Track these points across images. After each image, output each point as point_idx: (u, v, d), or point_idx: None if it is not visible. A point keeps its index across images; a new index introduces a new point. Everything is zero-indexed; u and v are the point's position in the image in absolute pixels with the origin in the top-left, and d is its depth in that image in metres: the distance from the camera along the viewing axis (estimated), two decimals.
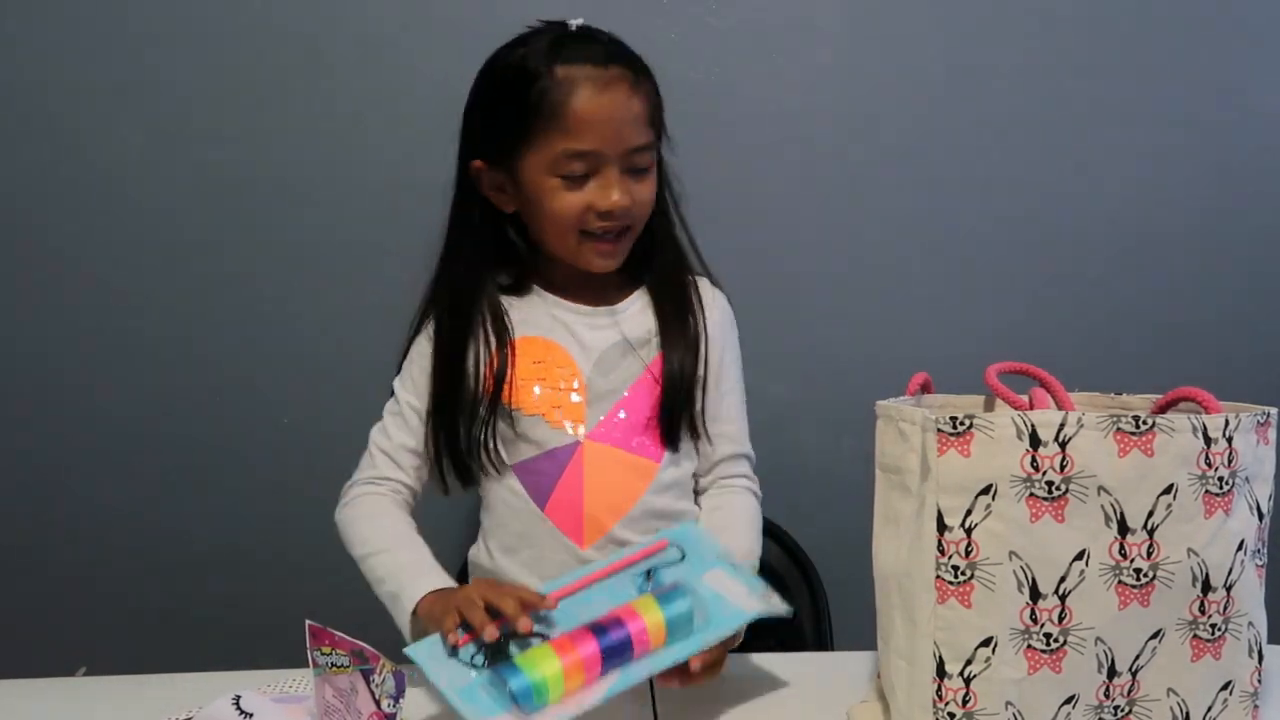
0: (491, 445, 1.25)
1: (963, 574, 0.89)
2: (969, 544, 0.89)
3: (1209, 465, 0.90)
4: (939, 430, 0.89)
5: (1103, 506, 0.88)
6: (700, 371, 1.27)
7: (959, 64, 1.76)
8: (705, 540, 1.14)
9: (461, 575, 1.44)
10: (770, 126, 1.75)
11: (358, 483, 1.29)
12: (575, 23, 1.20)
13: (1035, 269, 1.82)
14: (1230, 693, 0.95)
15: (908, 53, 1.75)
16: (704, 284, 1.33)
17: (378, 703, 0.87)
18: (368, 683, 0.87)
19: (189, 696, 1.04)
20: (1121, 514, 0.88)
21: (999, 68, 1.77)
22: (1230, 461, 0.91)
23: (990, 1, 1.76)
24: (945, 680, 0.90)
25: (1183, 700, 0.93)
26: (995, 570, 0.88)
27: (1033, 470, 0.87)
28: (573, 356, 1.26)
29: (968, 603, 0.89)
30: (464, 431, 1.24)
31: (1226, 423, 0.90)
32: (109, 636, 1.78)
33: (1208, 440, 0.90)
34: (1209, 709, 0.95)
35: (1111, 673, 0.91)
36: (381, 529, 1.23)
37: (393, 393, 1.32)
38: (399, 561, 1.17)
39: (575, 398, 1.24)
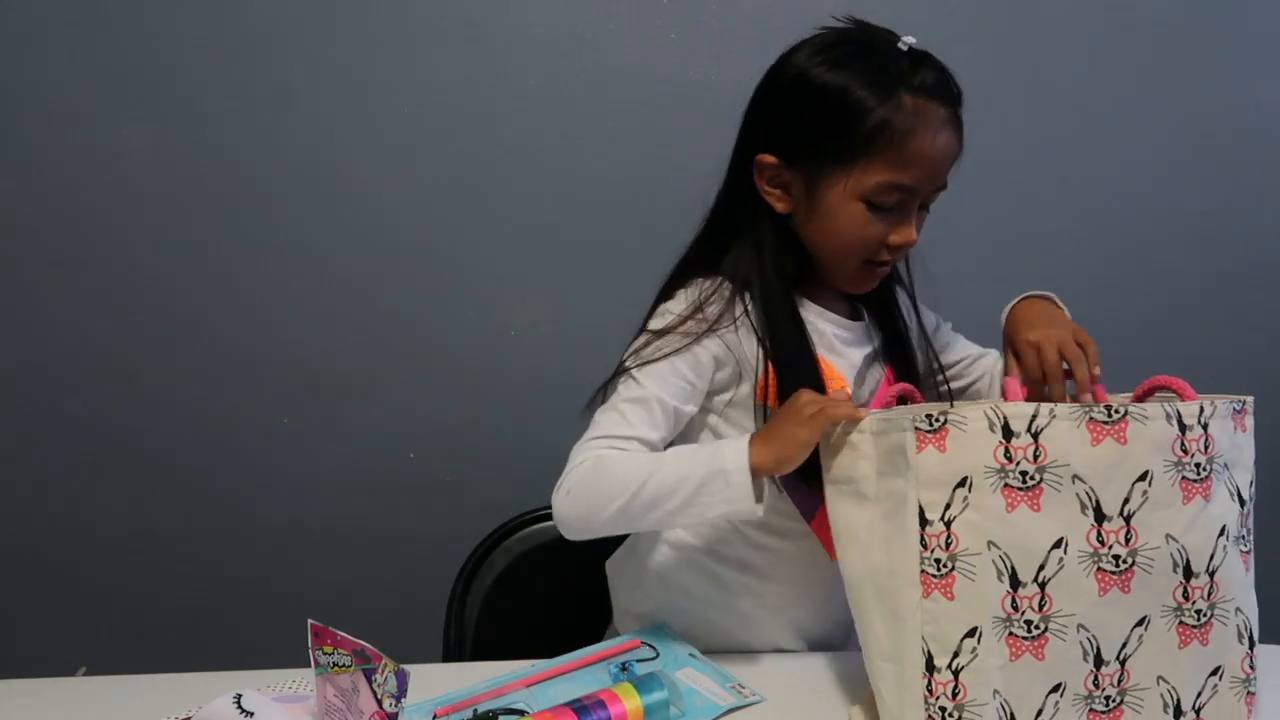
0: None
1: (944, 566, 0.89)
2: (949, 536, 0.89)
3: (1184, 452, 0.90)
4: (917, 429, 0.89)
5: (1078, 494, 0.88)
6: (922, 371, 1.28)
7: (957, 64, 1.74)
8: (676, 641, 1.21)
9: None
10: None
11: (575, 468, 1.12)
12: (908, 41, 1.14)
13: (1031, 268, 1.81)
14: (1220, 678, 0.95)
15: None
16: (912, 305, 1.32)
17: (380, 702, 0.87)
18: (370, 682, 0.88)
19: (189, 696, 1.04)
20: (1097, 501, 0.89)
21: (997, 68, 1.77)
22: (1207, 448, 0.91)
23: (990, 2, 1.76)
24: (934, 674, 0.91)
25: (1173, 688, 0.93)
26: (975, 560, 0.89)
27: (1006, 461, 0.88)
28: (837, 369, 1.21)
29: (950, 595, 0.89)
30: None
31: (1201, 409, 0.91)
32: (109, 636, 1.79)
33: (1183, 427, 0.90)
34: (1199, 694, 0.94)
35: (1099, 661, 0.91)
36: (644, 458, 1.10)
37: (628, 376, 1.17)
38: (687, 453, 1.09)
39: None
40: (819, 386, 1.13)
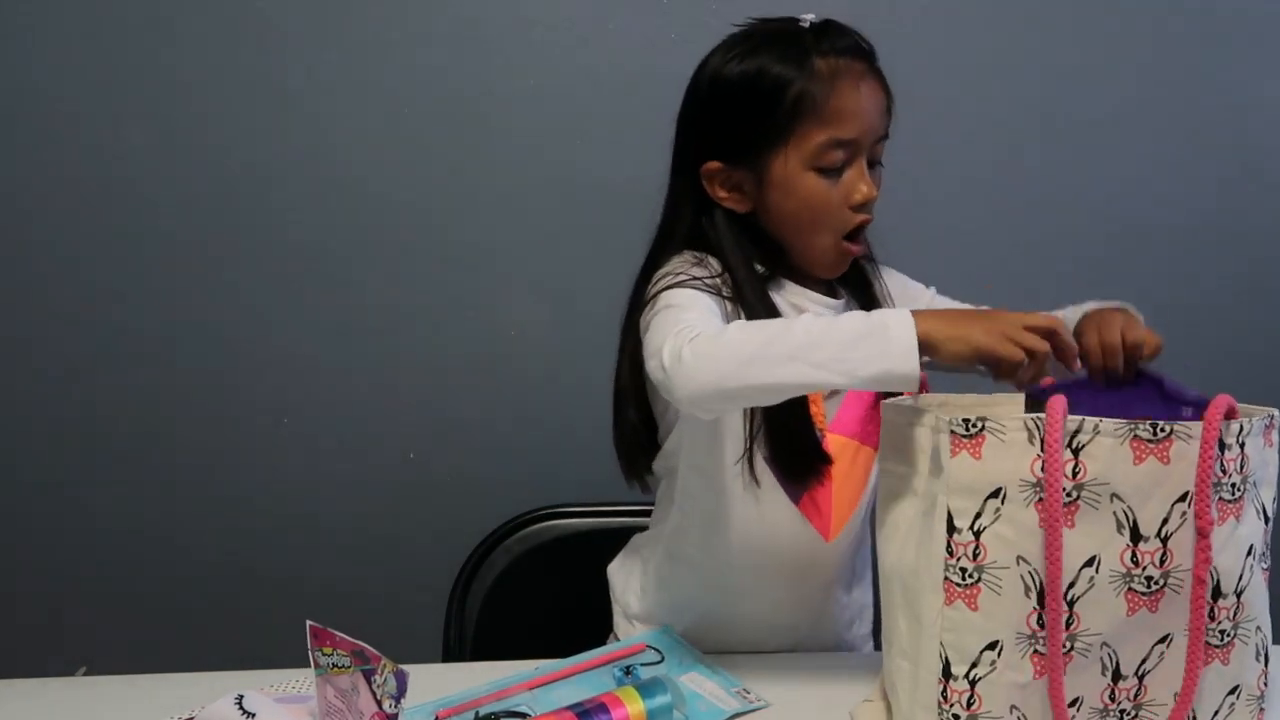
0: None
1: (970, 576, 0.89)
2: (977, 546, 0.88)
3: (1224, 472, 0.89)
4: (952, 432, 0.88)
5: (1115, 513, 0.87)
6: None
7: (957, 64, 1.76)
8: (682, 644, 1.21)
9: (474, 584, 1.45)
10: None
11: (683, 334, 1.03)
12: (808, 17, 1.17)
13: (1032, 269, 1.82)
14: (1237, 697, 0.95)
15: (906, 54, 1.74)
16: (879, 268, 1.32)
17: (379, 703, 0.87)
18: (369, 683, 0.87)
19: (189, 696, 1.04)
20: (1134, 521, 0.88)
21: (998, 67, 1.78)
22: (1243, 467, 0.90)
23: (990, 2, 1.76)
24: (951, 682, 0.90)
25: (1191, 705, 0.93)
26: (1002, 574, 0.88)
27: (1043, 475, 0.87)
28: None
29: (974, 605, 0.89)
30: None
31: (1241, 428, 0.90)
32: (109, 636, 1.78)
33: (1223, 447, 0.89)
34: (1216, 713, 0.94)
35: (1117, 675, 0.91)
36: (773, 321, 1.05)
37: (659, 296, 1.14)
38: (828, 316, 1.02)
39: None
40: None
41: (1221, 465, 0.89)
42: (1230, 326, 1.85)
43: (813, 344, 0.96)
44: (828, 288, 1.27)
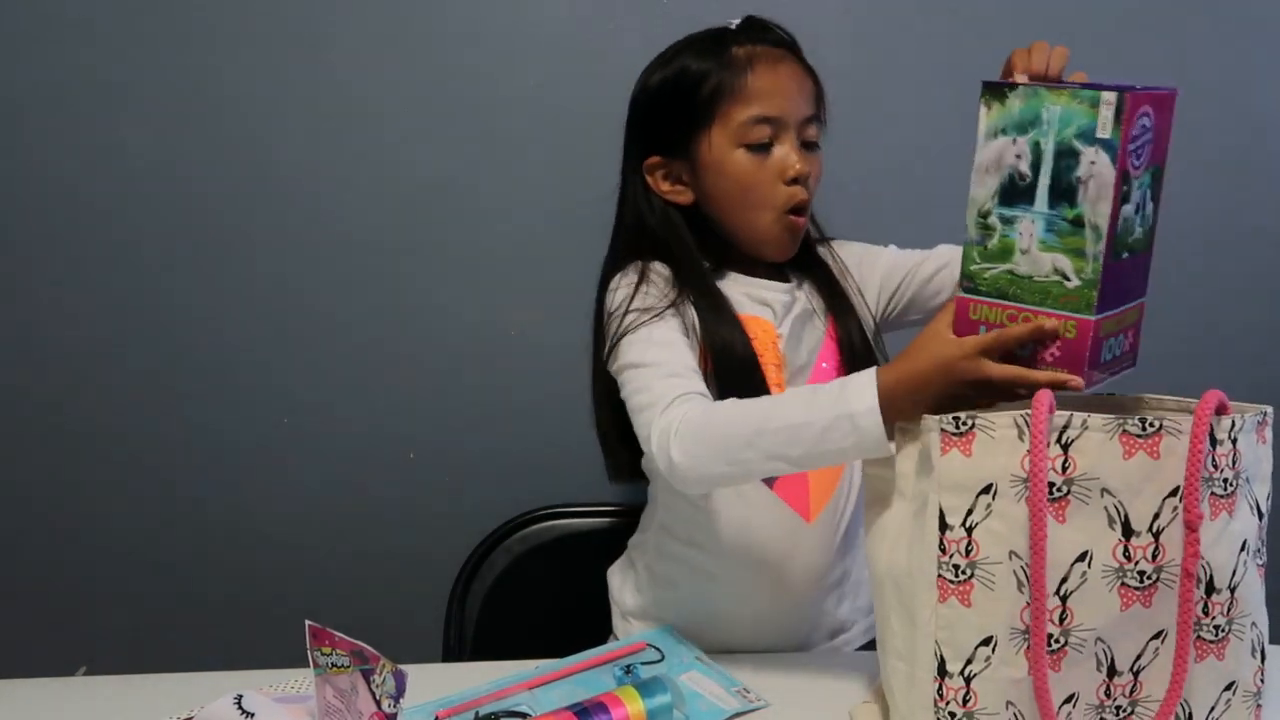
0: None
1: (963, 573, 0.89)
2: (969, 543, 0.89)
3: (1215, 467, 0.89)
4: (942, 430, 0.89)
5: (1106, 508, 0.88)
6: (872, 325, 1.33)
7: (958, 64, 1.75)
8: (682, 644, 1.21)
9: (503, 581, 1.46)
10: None
11: (666, 414, 1.09)
12: (735, 22, 1.26)
13: None
14: (1233, 693, 0.95)
15: (907, 53, 1.75)
16: (833, 244, 1.37)
17: (378, 703, 0.87)
18: (368, 683, 0.87)
19: (189, 696, 1.04)
20: (1126, 516, 0.88)
21: (998, 68, 1.77)
22: (1235, 463, 0.90)
23: (990, 2, 1.76)
24: (946, 679, 0.90)
25: (1185, 701, 0.93)
26: (995, 570, 0.88)
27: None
28: (770, 324, 1.27)
29: (968, 601, 0.89)
30: None
31: (1233, 424, 0.90)
32: (109, 636, 1.78)
33: (1214, 442, 0.89)
34: (1211, 709, 0.94)
35: (1112, 672, 0.91)
36: (754, 405, 1.08)
37: (624, 343, 1.20)
38: (806, 394, 1.05)
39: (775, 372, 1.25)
40: (744, 345, 1.21)
41: (1213, 460, 0.89)
42: (1229, 326, 1.85)
43: (791, 440, 1.01)
44: (777, 273, 1.31)
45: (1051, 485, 0.87)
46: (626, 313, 1.20)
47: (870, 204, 1.67)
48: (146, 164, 1.70)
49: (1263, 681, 0.96)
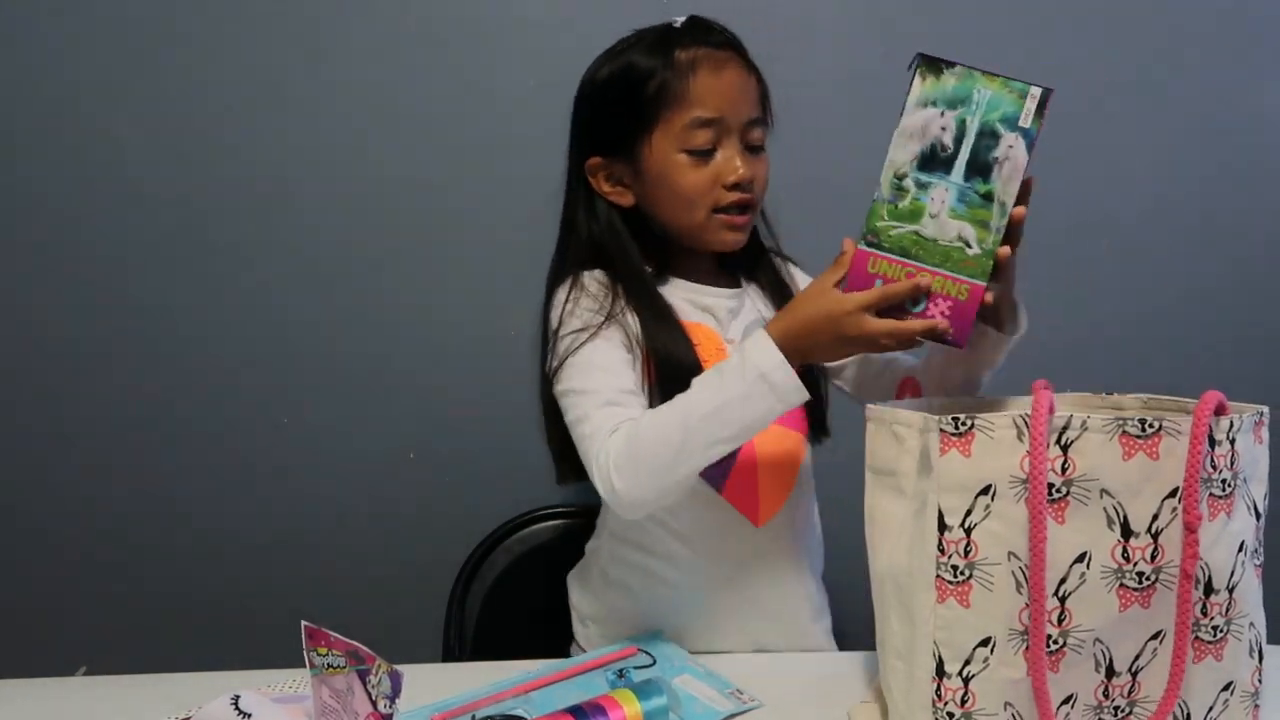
0: None
1: (962, 573, 0.89)
2: (968, 544, 0.88)
3: (1214, 468, 0.89)
4: (942, 430, 0.89)
5: (1105, 509, 0.88)
6: None
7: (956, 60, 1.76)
8: (673, 648, 1.21)
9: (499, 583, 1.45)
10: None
11: (603, 446, 1.12)
12: (679, 20, 1.25)
13: (1031, 268, 1.81)
14: (1231, 693, 0.95)
15: (908, 54, 1.74)
16: (789, 265, 1.39)
17: (374, 703, 0.87)
18: (364, 683, 0.87)
19: (189, 696, 1.05)
20: (1125, 517, 0.88)
21: (999, 67, 1.77)
22: (1233, 463, 0.90)
23: (991, 1, 1.76)
24: (944, 680, 0.90)
25: (1183, 701, 0.93)
26: (994, 570, 0.88)
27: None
28: (715, 332, 1.27)
29: (966, 602, 0.89)
30: None
31: (1231, 424, 0.90)
32: (109, 636, 1.78)
33: (1213, 442, 0.89)
34: (1209, 709, 0.94)
35: (1110, 672, 0.91)
36: (668, 407, 1.11)
37: (565, 368, 1.20)
38: (713, 379, 1.09)
39: None
40: (688, 352, 1.20)
41: (1212, 461, 0.89)
42: (1227, 327, 1.85)
43: (719, 422, 1.06)
44: (727, 278, 1.31)
45: (1051, 486, 0.87)
46: (566, 334, 1.21)
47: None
48: (145, 161, 1.70)
49: (1260, 682, 0.96)
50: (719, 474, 1.22)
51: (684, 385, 1.13)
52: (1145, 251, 1.83)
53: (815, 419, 1.31)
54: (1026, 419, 0.87)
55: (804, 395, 1.06)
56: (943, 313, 1.01)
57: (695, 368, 1.19)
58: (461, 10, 1.71)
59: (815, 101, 1.75)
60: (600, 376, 1.17)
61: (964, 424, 0.88)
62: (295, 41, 1.70)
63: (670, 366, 1.19)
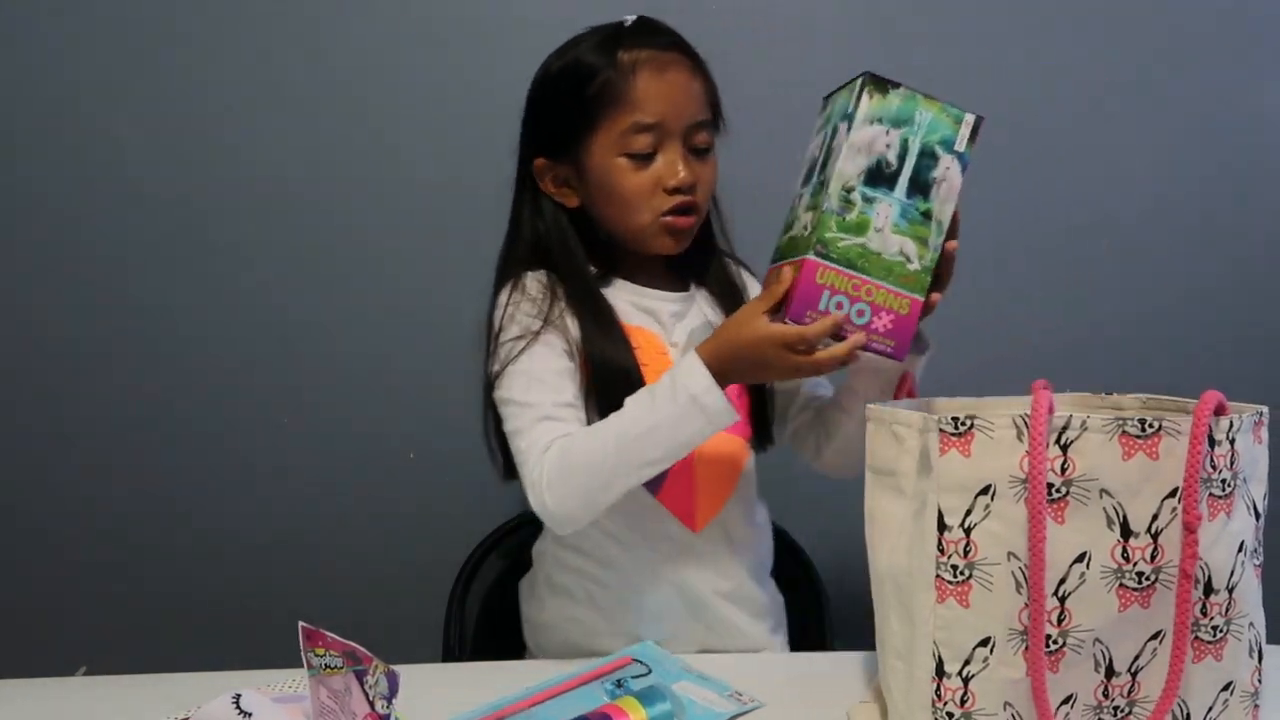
0: None
1: (961, 573, 0.89)
2: (968, 544, 0.88)
3: (1213, 468, 0.89)
4: (941, 430, 0.89)
5: (1105, 509, 0.87)
6: None
7: (959, 64, 1.76)
8: (668, 657, 1.20)
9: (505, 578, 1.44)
10: (770, 126, 1.75)
11: (537, 462, 1.14)
12: (629, 19, 1.24)
13: (1031, 268, 1.82)
14: (1231, 693, 0.95)
15: (908, 54, 1.75)
16: (743, 272, 1.39)
17: (371, 704, 0.87)
18: (361, 684, 0.87)
19: (189, 696, 1.04)
20: (1125, 517, 0.88)
21: (999, 67, 1.77)
22: (1233, 463, 0.90)
23: (991, 2, 1.76)
24: (944, 680, 0.90)
25: (1183, 701, 0.93)
26: (993, 570, 0.88)
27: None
28: (658, 337, 1.27)
29: (966, 602, 0.89)
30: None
31: (1231, 424, 0.90)
32: (109, 636, 1.78)
33: (1213, 442, 0.89)
34: (1209, 710, 0.94)
35: (1110, 672, 0.91)
36: (601, 426, 1.13)
37: (504, 376, 1.22)
38: (645, 399, 1.11)
39: None
40: (625, 355, 1.21)
41: (1211, 461, 0.89)
42: (1227, 327, 1.85)
43: (649, 444, 1.09)
44: (676, 281, 1.31)
45: (1050, 486, 0.87)
46: (506, 340, 1.22)
47: None
48: (145, 162, 1.71)
49: (1260, 681, 0.96)
50: (656, 479, 1.21)
51: (621, 389, 1.15)
52: (1145, 251, 1.83)
53: (759, 425, 1.31)
54: (1026, 419, 0.87)
55: (734, 417, 1.09)
56: (885, 325, 1.05)
57: (633, 371, 1.20)
58: (461, 10, 1.71)
59: (815, 102, 1.75)
60: (538, 390, 1.18)
61: (964, 424, 0.88)
62: (295, 41, 1.70)
63: (607, 370, 1.20)
